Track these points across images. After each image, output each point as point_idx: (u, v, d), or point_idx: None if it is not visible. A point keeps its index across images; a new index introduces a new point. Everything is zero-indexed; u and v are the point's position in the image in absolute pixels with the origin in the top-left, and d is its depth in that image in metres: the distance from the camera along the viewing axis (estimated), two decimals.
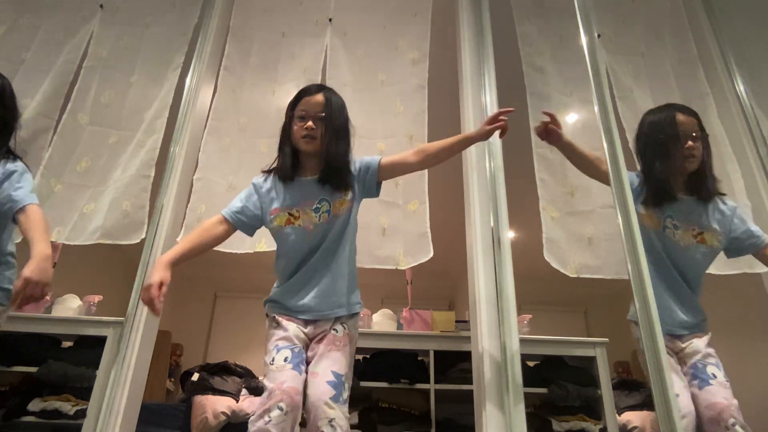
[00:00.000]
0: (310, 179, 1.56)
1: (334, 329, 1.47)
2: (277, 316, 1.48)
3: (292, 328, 1.45)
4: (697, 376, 1.48)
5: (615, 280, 1.88)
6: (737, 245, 1.64)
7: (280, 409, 1.26)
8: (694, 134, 1.62)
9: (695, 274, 1.62)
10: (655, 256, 1.56)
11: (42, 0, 2.50)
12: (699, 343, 1.55)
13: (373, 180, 1.58)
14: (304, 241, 1.51)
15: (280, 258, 1.55)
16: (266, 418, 1.25)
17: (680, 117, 1.65)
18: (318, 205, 1.53)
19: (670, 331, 1.54)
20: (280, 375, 1.33)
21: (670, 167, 1.62)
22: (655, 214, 1.62)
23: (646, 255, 1.46)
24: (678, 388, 1.41)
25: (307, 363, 1.42)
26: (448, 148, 1.57)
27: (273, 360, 1.38)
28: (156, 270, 1.37)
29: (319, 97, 1.59)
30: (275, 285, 1.57)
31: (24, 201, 1.47)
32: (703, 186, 1.63)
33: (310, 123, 1.55)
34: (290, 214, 1.54)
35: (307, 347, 1.46)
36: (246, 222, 1.55)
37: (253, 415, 1.29)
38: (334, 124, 1.57)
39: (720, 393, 1.43)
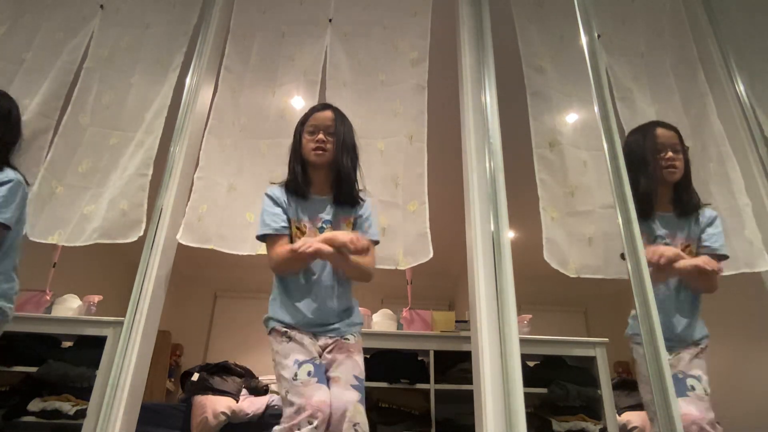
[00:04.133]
0: (323, 198, 1.62)
1: (345, 338, 1.53)
2: (289, 331, 1.49)
3: (307, 341, 1.48)
4: (675, 386, 1.47)
5: (615, 280, 1.88)
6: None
7: (311, 424, 1.28)
8: (673, 146, 1.68)
9: (685, 285, 1.63)
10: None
11: (42, 0, 2.50)
12: (685, 355, 1.56)
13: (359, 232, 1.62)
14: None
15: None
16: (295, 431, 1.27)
17: (660, 131, 1.71)
18: (323, 226, 1.59)
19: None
20: (307, 390, 1.35)
21: (651, 180, 1.66)
22: (647, 236, 1.65)
23: None
24: None
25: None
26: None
27: (296, 375, 1.39)
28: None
29: (329, 113, 1.66)
30: (274, 297, 1.57)
31: None
32: (688, 199, 1.68)
33: (320, 135, 1.61)
34: (298, 228, 1.58)
35: (321, 358, 1.49)
36: (289, 228, 1.59)
37: (278, 425, 1.31)
38: (344, 139, 1.62)
39: (694, 405, 1.43)
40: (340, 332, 1.53)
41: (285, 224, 1.57)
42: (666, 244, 1.64)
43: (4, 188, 1.53)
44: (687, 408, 1.42)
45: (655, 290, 1.54)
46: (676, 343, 1.58)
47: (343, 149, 1.61)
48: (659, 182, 1.68)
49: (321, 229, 1.58)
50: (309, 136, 1.63)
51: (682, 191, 1.69)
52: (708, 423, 1.40)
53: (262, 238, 1.59)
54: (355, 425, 1.31)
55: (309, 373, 1.39)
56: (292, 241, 1.56)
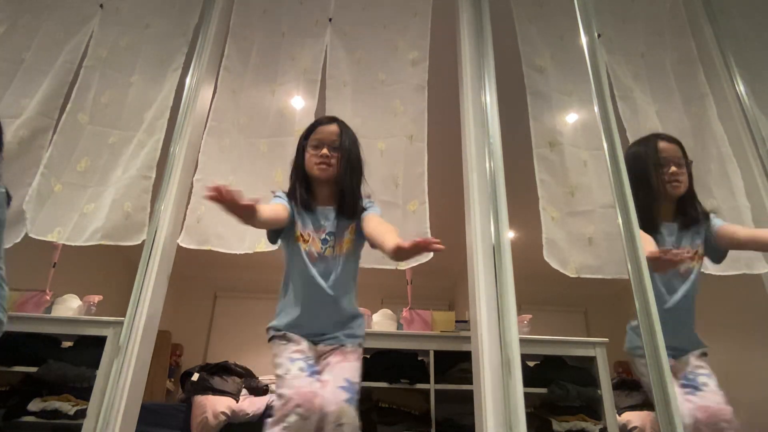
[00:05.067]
0: (326, 208, 1.59)
1: (343, 345, 1.51)
2: (287, 333, 1.49)
3: (304, 343, 1.48)
4: (688, 386, 1.50)
5: (615, 280, 1.88)
6: (712, 248, 1.68)
7: (298, 414, 1.26)
8: (677, 160, 1.66)
9: (693, 293, 1.63)
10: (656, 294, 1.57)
11: (42, 0, 2.50)
12: (690, 358, 1.57)
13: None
14: (310, 265, 1.52)
15: (291, 276, 1.57)
16: (284, 424, 1.25)
17: (662, 144, 1.69)
18: (327, 237, 1.56)
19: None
20: (297, 381, 1.34)
21: (653, 195, 1.64)
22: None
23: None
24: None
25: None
26: (375, 241, 1.51)
27: (288, 371, 1.38)
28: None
29: (334, 127, 1.62)
30: (279, 308, 1.57)
31: None
32: (693, 213, 1.67)
33: (324, 150, 1.57)
34: (301, 235, 1.56)
35: (317, 362, 1.48)
36: (290, 212, 1.56)
37: (269, 418, 1.29)
38: (349, 154, 1.59)
39: (712, 399, 1.44)
40: (339, 341, 1.52)
41: (285, 203, 1.55)
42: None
43: None
44: (706, 402, 1.42)
45: (668, 297, 1.55)
46: (687, 346, 1.59)
47: (348, 165, 1.58)
48: (662, 197, 1.66)
49: (324, 241, 1.55)
50: (313, 150, 1.59)
51: (686, 205, 1.67)
52: (729, 414, 1.40)
53: (273, 234, 1.57)
54: (339, 425, 1.28)
55: (301, 369, 1.38)
56: (297, 244, 1.54)
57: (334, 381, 1.37)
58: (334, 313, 1.53)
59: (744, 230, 1.70)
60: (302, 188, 1.59)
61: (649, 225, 1.64)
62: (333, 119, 1.66)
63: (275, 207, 1.53)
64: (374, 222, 1.55)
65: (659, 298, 1.54)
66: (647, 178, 1.65)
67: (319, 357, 1.50)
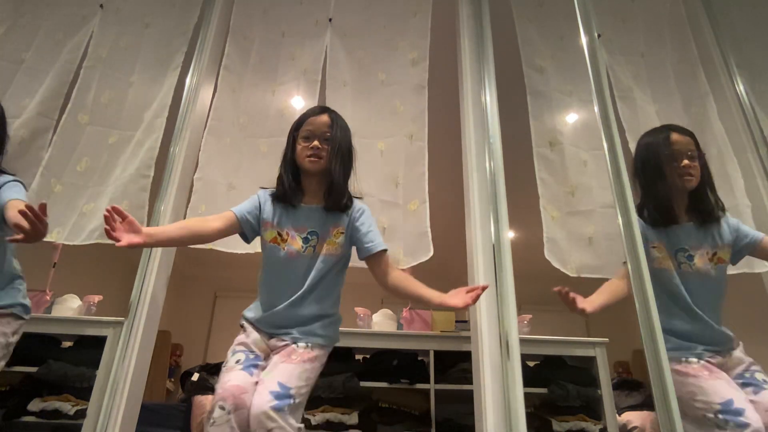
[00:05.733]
0: (312, 207, 1.55)
1: (296, 344, 1.44)
2: (246, 325, 1.49)
3: (254, 336, 1.45)
4: (748, 384, 1.45)
5: None
6: (738, 252, 1.64)
7: (222, 408, 1.21)
8: (689, 153, 1.61)
9: (718, 294, 1.59)
10: (673, 295, 1.56)
11: (42, 0, 2.50)
12: (739, 353, 1.53)
13: (359, 245, 1.54)
14: (287, 265, 1.49)
15: (264, 273, 1.55)
16: (210, 420, 1.22)
17: (675, 136, 1.64)
18: (308, 236, 1.52)
19: (708, 349, 1.51)
20: (227, 375, 1.32)
21: (669, 186, 1.60)
22: (667, 252, 1.60)
23: (662, 296, 1.48)
24: (741, 401, 1.34)
25: None
26: (410, 294, 1.49)
27: (227, 362, 1.37)
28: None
29: (325, 118, 1.58)
30: (254, 303, 1.57)
31: (9, 197, 1.45)
32: (705, 208, 1.62)
33: (315, 142, 1.53)
34: (279, 234, 1.52)
35: (267, 358, 1.43)
36: (251, 223, 1.54)
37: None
38: (340, 145, 1.55)
39: None
40: (292, 337, 1.44)
41: (250, 219, 1.53)
42: (690, 256, 1.58)
43: (11, 182, 1.53)
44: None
45: (683, 312, 1.54)
46: (725, 342, 1.54)
47: (337, 156, 1.53)
48: (677, 191, 1.62)
49: (305, 240, 1.51)
50: (304, 142, 1.55)
51: (700, 199, 1.62)
52: None
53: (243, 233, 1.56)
54: (267, 431, 1.21)
55: (237, 361, 1.36)
56: (276, 243, 1.52)
57: (267, 383, 1.28)
58: (299, 310, 1.46)
59: None
60: (291, 181, 1.55)
61: (670, 218, 1.59)
62: (324, 109, 1.62)
63: (197, 221, 1.53)
64: (400, 277, 1.50)
65: (680, 298, 1.54)
66: (662, 171, 1.61)
67: (271, 351, 1.45)
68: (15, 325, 1.59)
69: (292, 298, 1.47)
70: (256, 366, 1.37)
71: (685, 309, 1.54)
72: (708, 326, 1.53)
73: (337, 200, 1.53)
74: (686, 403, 1.40)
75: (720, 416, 1.32)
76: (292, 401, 1.26)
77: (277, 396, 1.24)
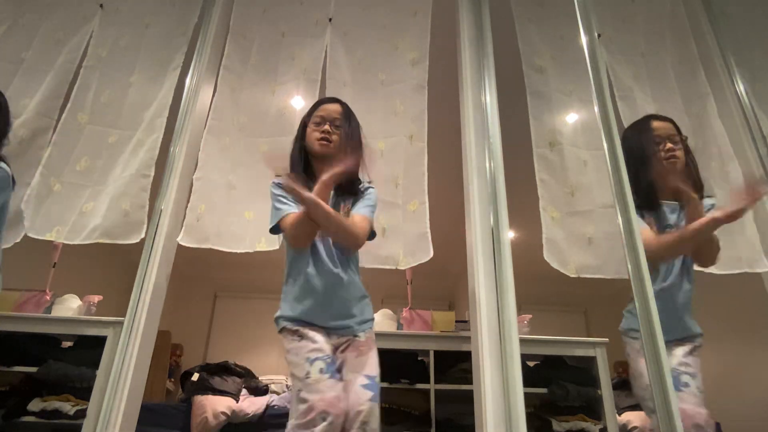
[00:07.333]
0: None
1: (356, 336, 1.51)
2: (300, 329, 1.47)
3: (318, 338, 1.46)
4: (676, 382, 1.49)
5: (615, 280, 1.88)
6: None
7: (324, 419, 1.26)
8: (671, 137, 1.70)
9: (689, 278, 1.63)
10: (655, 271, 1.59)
11: (42, 0, 2.50)
12: (677, 351, 1.56)
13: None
14: (311, 248, 1.52)
15: (294, 260, 1.55)
16: (312, 430, 1.26)
17: (655, 123, 1.73)
18: None
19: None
20: (320, 386, 1.34)
21: (654, 170, 1.67)
22: (657, 230, 1.66)
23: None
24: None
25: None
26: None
27: (308, 373, 1.37)
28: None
29: (337, 106, 1.66)
30: (283, 295, 1.55)
31: None
32: (688, 188, 1.66)
33: (327, 126, 1.60)
34: None
35: (335, 356, 1.47)
36: None
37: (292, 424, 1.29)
38: (351, 133, 1.62)
39: (689, 400, 1.44)
40: (352, 330, 1.51)
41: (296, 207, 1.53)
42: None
43: None
44: (682, 404, 1.41)
45: (663, 278, 1.56)
46: (670, 336, 1.56)
47: (349, 143, 1.60)
48: (662, 174, 1.68)
49: None
50: (315, 126, 1.61)
51: (686, 180, 1.68)
52: (703, 419, 1.41)
53: (276, 226, 1.53)
54: (363, 424, 1.30)
55: (321, 371, 1.37)
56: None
57: (356, 380, 1.39)
58: (344, 292, 1.52)
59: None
60: (301, 164, 1.60)
61: (649, 203, 1.68)
62: (336, 99, 1.70)
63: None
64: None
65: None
66: (644, 158, 1.69)
67: (335, 349, 1.49)
68: None
69: (334, 281, 1.51)
70: (338, 370, 1.43)
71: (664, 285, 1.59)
72: (675, 311, 1.59)
73: (349, 185, 1.60)
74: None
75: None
76: (378, 389, 1.40)
77: (370, 388, 1.38)
